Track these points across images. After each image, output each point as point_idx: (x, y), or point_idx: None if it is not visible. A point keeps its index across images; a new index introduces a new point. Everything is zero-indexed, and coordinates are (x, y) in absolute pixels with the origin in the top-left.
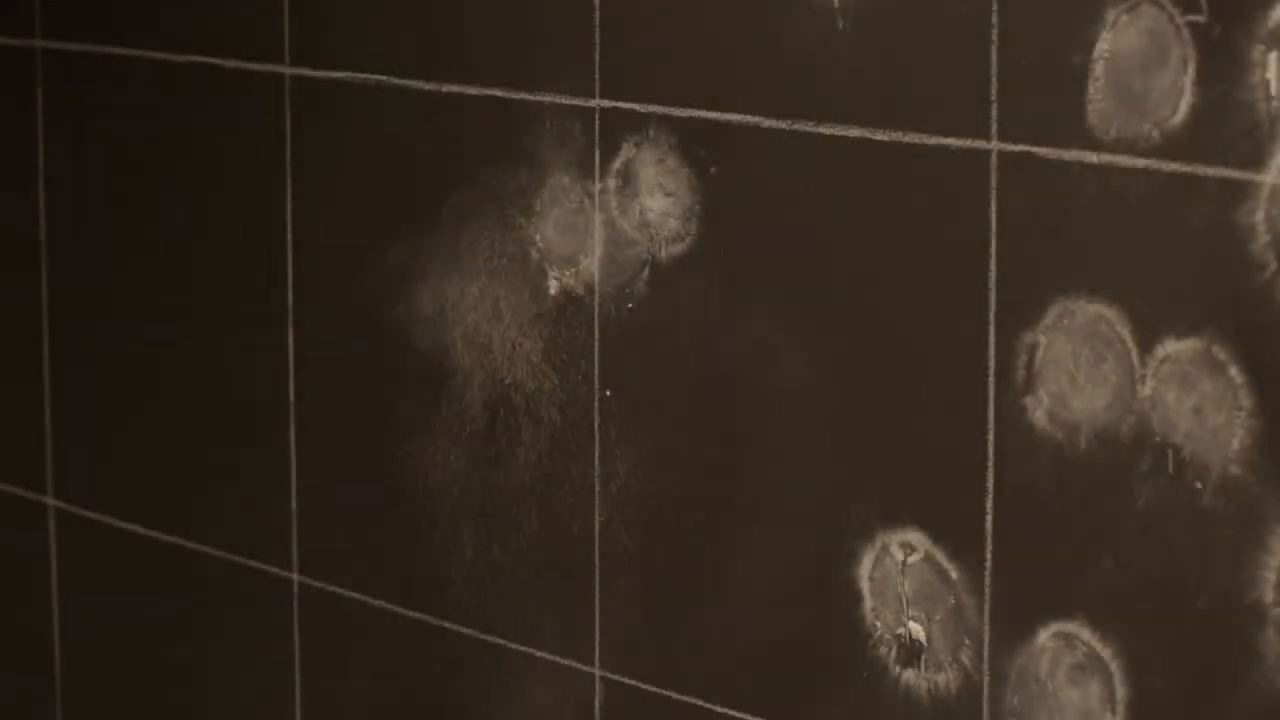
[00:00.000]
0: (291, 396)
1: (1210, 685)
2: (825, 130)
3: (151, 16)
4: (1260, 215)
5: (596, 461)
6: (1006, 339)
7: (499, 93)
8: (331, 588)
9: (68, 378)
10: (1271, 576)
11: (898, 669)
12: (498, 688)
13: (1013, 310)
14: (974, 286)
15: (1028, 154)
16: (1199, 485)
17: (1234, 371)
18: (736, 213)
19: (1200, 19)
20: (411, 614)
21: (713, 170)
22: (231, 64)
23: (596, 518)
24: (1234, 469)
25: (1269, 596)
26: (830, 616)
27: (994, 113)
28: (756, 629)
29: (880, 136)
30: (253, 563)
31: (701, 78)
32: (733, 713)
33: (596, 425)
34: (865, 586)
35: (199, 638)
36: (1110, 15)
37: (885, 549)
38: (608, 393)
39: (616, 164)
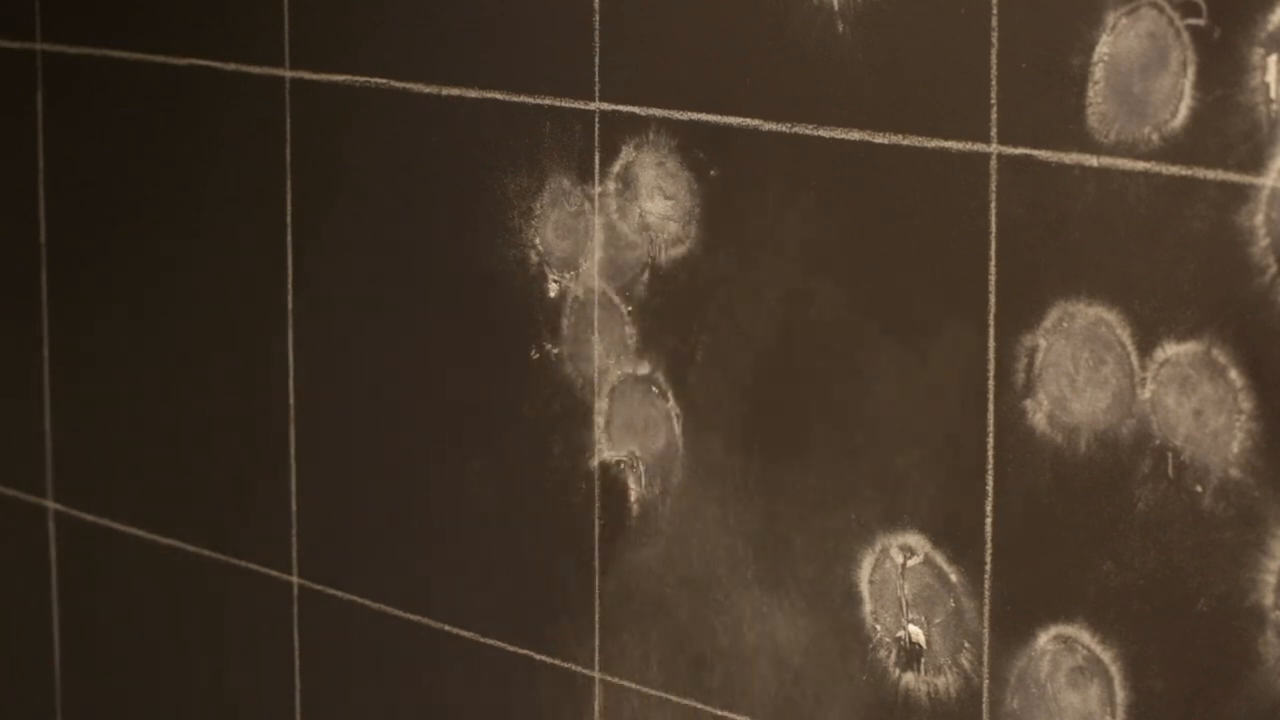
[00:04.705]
0: (291, 397)
1: (1210, 688)
2: (825, 133)
3: (152, 19)
4: (1260, 218)
5: (596, 463)
6: (1006, 342)
7: (499, 95)
8: (331, 590)
9: (68, 379)
10: (1271, 579)
11: (897, 672)
12: (497, 690)
13: (1012, 313)
14: (974, 289)
15: (1027, 157)
16: (1199, 488)
17: (1234, 374)
18: (736, 216)
19: (1200, 22)
20: (411, 616)
21: (712, 173)
22: (231, 67)
23: (597, 520)
24: (1234, 472)
25: (1269, 599)
26: (830, 619)
27: (994, 116)
28: (756, 631)
29: (880, 139)
30: (253, 565)
31: (701, 80)
32: (732, 715)
33: (596, 427)
34: (865, 589)
35: (199, 640)
36: (1110, 18)
37: (885, 552)
38: (607, 396)
39: (616, 167)
